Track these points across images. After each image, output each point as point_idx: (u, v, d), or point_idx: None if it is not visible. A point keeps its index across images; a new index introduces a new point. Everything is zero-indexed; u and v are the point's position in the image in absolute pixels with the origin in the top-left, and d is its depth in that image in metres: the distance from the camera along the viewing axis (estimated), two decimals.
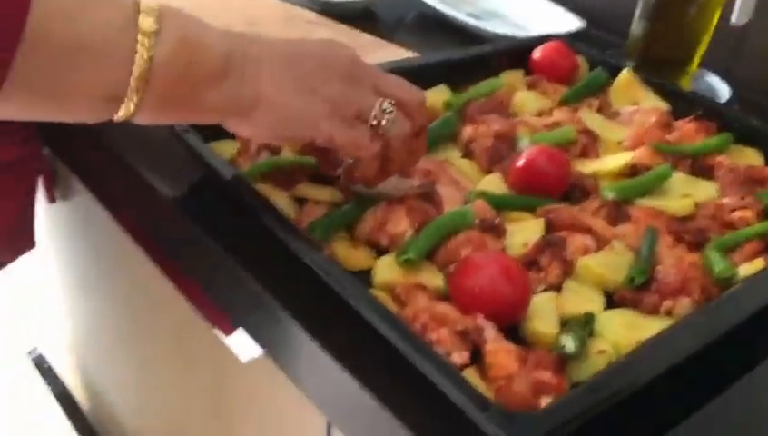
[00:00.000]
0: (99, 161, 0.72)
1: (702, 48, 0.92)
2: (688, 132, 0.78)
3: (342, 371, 0.47)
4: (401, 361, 0.45)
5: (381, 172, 0.59)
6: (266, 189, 0.61)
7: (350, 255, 0.58)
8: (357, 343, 0.48)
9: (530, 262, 0.58)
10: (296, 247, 0.52)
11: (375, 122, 0.55)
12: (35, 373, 1.10)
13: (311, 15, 1.02)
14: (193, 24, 0.49)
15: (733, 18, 0.86)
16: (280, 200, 0.60)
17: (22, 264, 0.75)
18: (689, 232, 0.63)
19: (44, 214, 0.90)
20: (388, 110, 0.54)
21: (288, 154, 0.67)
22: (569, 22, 1.10)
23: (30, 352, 1.14)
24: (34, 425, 1.23)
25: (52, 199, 0.82)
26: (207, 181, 0.63)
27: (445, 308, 0.51)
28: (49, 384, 1.08)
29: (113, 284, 0.88)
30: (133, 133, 0.58)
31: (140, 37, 0.45)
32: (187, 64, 0.48)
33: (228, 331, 0.62)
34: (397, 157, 0.58)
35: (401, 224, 0.58)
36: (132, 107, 0.47)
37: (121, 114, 0.48)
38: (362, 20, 1.08)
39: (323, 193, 0.63)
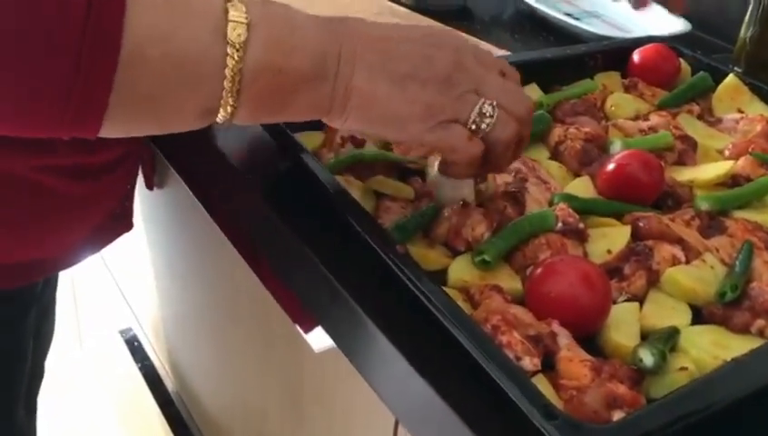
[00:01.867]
0: (192, 150, 0.74)
1: None
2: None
3: (410, 370, 0.46)
4: (470, 361, 0.44)
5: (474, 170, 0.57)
6: (346, 180, 0.61)
7: (427, 255, 0.57)
8: (427, 342, 0.47)
9: (613, 269, 0.56)
10: (374, 243, 0.52)
11: (474, 126, 0.52)
12: (126, 351, 1.14)
13: (403, 11, 1.02)
14: (284, 23, 0.48)
15: None
16: (358, 192, 0.60)
17: (120, 246, 0.79)
18: None
19: (142, 200, 0.94)
20: (489, 114, 0.52)
21: (372, 146, 0.67)
22: (673, 24, 1.05)
23: (123, 332, 1.19)
24: (123, 403, 1.28)
25: (150, 186, 0.85)
26: (293, 172, 0.64)
27: (519, 311, 0.49)
28: (138, 363, 1.12)
29: (201, 271, 0.91)
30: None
31: (229, 50, 0.45)
32: (277, 73, 0.47)
33: (305, 325, 0.62)
34: (495, 160, 0.55)
35: (478, 228, 0.57)
36: (226, 115, 0.48)
37: (216, 121, 0.49)
38: (457, 17, 1.07)
39: (402, 189, 0.62)
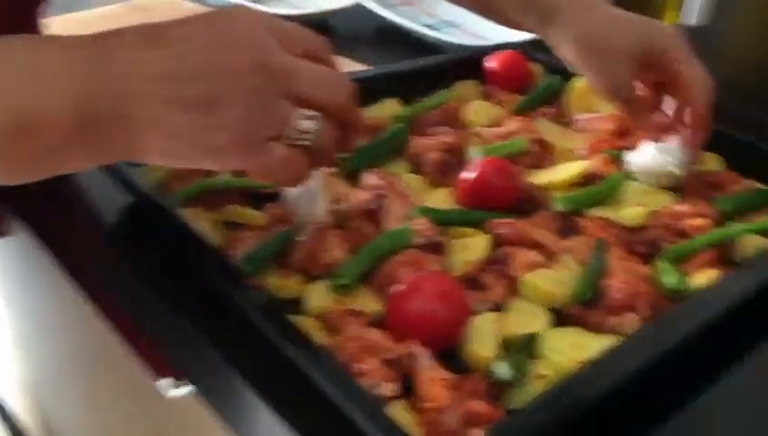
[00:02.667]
0: (36, 192, 0.69)
1: None
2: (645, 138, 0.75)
3: (271, 414, 0.44)
4: (324, 396, 0.41)
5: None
6: (194, 214, 0.58)
7: (283, 284, 0.54)
8: (284, 381, 0.45)
9: (472, 280, 0.55)
10: (216, 277, 0.49)
11: (290, 142, 0.45)
12: None
13: None
14: (26, 77, 0.40)
15: (687, 19, 0.84)
16: (207, 224, 0.57)
17: None
18: (641, 242, 0.61)
19: None
20: (309, 129, 0.45)
21: (223, 174, 0.64)
22: None
23: None
24: None
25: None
26: (134, 209, 0.60)
27: (376, 335, 0.48)
28: (6, 423, 1.04)
29: (60, 322, 0.85)
30: None
31: None
32: (20, 138, 0.40)
33: (163, 373, 0.59)
34: (325, 160, 0.49)
35: (335, 251, 0.55)
36: None
37: None
38: (318, 34, 1.06)
39: (254, 217, 0.60)
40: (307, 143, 0.46)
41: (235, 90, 0.42)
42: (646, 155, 0.69)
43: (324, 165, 0.51)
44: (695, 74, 0.66)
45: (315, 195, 0.59)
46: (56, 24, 0.89)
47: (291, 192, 0.60)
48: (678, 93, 0.68)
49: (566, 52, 0.70)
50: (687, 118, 0.69)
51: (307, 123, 0.46)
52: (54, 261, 0.70)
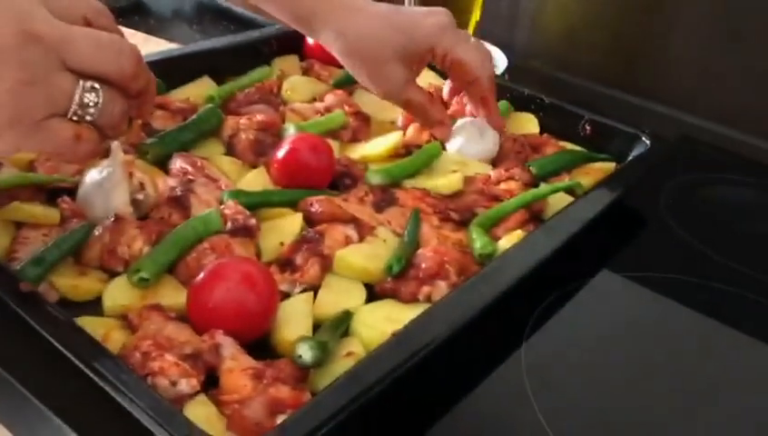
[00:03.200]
0: None
1: (474, 18, 0.91)
2: (462, 106, 0.76)
3: (53, 416, 0.40)
4: (107, 399, 0.38)
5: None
6: None
7: (78, 285, 0.50)
8: (74, 392, 0.41)
9: (286, 262, 0.54)
10: None
11: (75, 118, 0.42)
12: None
13: None
14: None
15: None
16: None
17: None
18: (456, 210, 0.61)
19: None
20: (92, 102, 0.42)
21: (11, 169, 0.58)
22: None
23: None
24: None
25: None
26: None
27: (175, 330, 0.45)
28: None
29: None
30: None
31: None
32: None
33: None
34: (115, 133, 0.46)
35: (135, 244, 0.52)
36: None
37: None
38: (132, 14, 1.00)
39: (46, 214, 0.54)
40: (92, 117, 0.42)
41: (2, 65, 0.38)
42: (460, 140, 0.69)
43: (115, 138, 0.47)
44: (471, 56, 0.66)
45: (113, 185, 0.55)
46: None
47: (86, 183, 0.56)
48: (463, 77, 0.68)
49: (338, 59, 0.68)
50: (474, 97, 0.70)
51: (90, 95, 0.42)
52: None
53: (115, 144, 0.58)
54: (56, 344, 0.41)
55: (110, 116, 0.44)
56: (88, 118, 0.43)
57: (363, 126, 0.73)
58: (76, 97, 0.42)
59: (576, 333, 0.54)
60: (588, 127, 0.73)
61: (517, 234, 0.57)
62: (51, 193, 0.58)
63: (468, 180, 0.65)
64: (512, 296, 0.48)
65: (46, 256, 0.49)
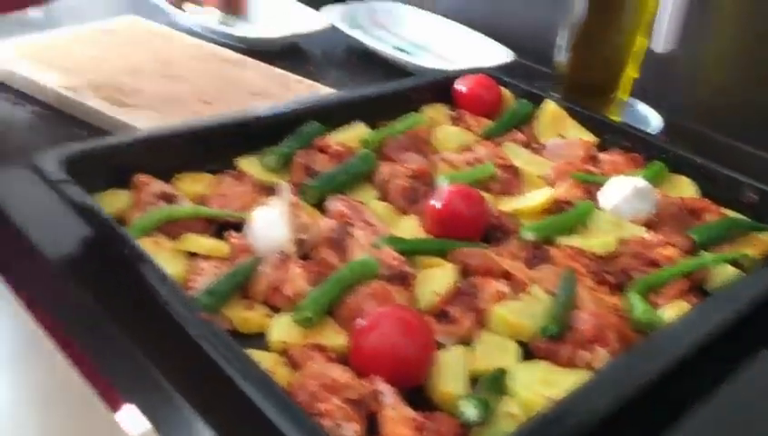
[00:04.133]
0: None
1: (628, 76, 0.89)
2: (614, 164, 0.75)
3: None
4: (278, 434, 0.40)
5: None
6: (153, 244, 0.56)
7: (246, 318, 0.52)
8: (243, 422, 0.43)
9: (441, 313, 0.54)
10: (176, 311, 0.47)
11: None
12: None
13: (228, 53, 0.98)
14: None
15: (655, 46, 0.84)
16: (167, 254, 0.55)
17: None
18: (611, 272, 0.60)
19: None
20: None
21: (186, 202, 0.62)
22: (498, 54, 1.08)
23: None
24: None
25: None
26: (91, 238, 0.58)
27: (339, 373, 0.46)
28: None
29: (14, 354, 0.82)
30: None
31: None
32: None
33: (120, 409, 0.56)
34: None
35: (298, 282, 0.54)
36: None
37: None
38: (286, 57, 1.04)
39: (216, 247, 0.57)
40: None
41: None
42: (618, 198, 0.68)
43: None
44: None
45: (278, 224, 0.58)
46: (27, 45, 0.87)
47: (255, 219, 0.59)
48: None
49: None
50: None
51: None
52: (9, 292, 0.68)
53: (284, 185, 0.61)
54: (230, 373, 0.42)
55: None
56: None
57: (513, 179, 0.73)
58: None
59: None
60: (754, 195, 0.70)
61: (680, 305, 0.55)
62: (219, 227, 0.61)
63: (623, 241, 0.63)
64: (681, 371, 0.46)
65: (219, 288, 0.52)
